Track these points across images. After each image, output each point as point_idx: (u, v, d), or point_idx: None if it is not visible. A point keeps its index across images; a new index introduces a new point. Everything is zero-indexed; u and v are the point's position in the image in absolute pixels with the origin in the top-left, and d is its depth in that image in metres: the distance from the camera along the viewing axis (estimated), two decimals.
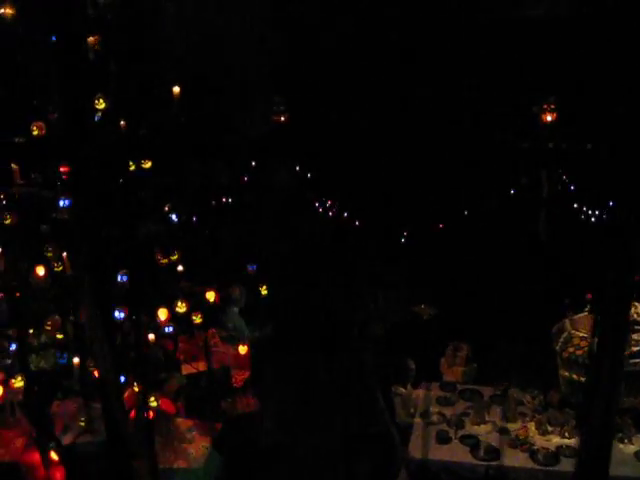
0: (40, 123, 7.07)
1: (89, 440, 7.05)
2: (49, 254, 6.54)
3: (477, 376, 7.63)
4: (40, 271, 6.85)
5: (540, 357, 7.30)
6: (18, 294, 7.57)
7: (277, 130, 7.26)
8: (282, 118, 7.32)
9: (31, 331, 7.91)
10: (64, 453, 7.16)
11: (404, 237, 7.88)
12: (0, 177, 7.08)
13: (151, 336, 7.39)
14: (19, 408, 7.30)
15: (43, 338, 8.20)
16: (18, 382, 7.15)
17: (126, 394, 7.48)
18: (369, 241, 8.07)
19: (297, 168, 7.83)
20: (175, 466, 6.94)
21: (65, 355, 7.86)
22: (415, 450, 6.44)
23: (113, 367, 4.97)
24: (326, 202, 7.88)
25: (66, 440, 7.08)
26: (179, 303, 7.07)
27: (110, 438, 5.14)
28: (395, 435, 6.73)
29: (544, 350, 7.28)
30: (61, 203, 6.38)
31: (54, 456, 7.22)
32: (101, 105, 6.75)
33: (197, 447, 6.98)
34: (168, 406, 7.52)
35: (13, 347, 7.87)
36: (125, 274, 6.64)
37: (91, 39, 6.91)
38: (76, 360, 6.88)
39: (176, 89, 6.57)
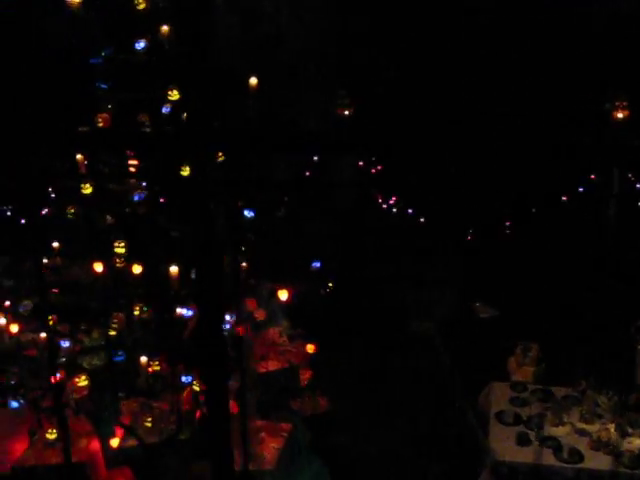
0: (105, 115, 6.90)
1: (154, 441, 6.91)
2: (121, 249, 6.33)
3: (545, 376, 7.49)
4: (99, 267, 6.69)
5: (612, 357, 7.18)
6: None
7: (342, 124, 7.06)
8: (346, 112, 7.12)
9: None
10: (128, 454, 7.03)
11: (468, 234, 7.73)
12: (64, 168, 6.88)
13: None
14: (81, 407, 7.15)
15: (95, 335, 8.03)
16: (82, 381, 6.99)
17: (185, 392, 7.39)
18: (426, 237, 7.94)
19: (360, 163, 7.67)
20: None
21: (121, 353, 7.68)
22: (496, 452, 6.28)
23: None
24: (390, 198, 7.72)
25: (132, 441, 6.93)
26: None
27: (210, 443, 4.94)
28: (478, 436, 6.57)
29: (617, 350, 7.17)
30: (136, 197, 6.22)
31: (114, 444, 7.09)
32: (175, 96, 6.60)
33: (268, 449, 6.83)
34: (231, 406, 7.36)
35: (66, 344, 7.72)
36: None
37: (165, 28, 6.75)
38: (144, 359, 6.67)
39: (253, 80, 6.38)
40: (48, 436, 6.84)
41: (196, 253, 4.63)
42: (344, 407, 7.12)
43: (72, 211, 6.86)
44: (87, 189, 6.20)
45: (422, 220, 7.70)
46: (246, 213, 6.71)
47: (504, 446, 6.37)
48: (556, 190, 7.24)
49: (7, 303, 7.36)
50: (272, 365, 6.97)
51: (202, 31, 4.08)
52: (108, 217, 6.79)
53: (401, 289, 8.88)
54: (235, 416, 7.13)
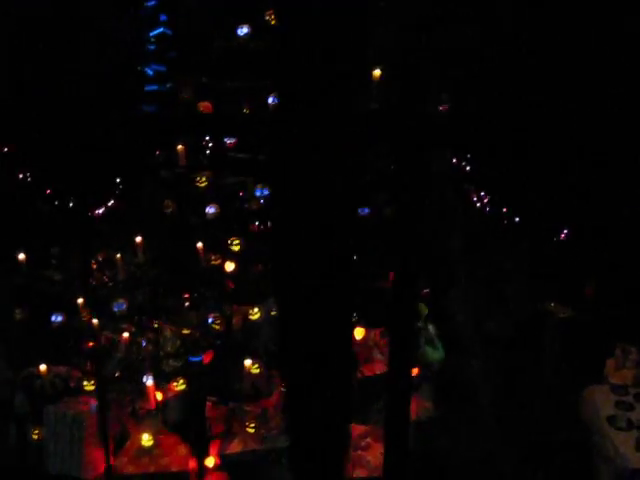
0: (207, 103, 6.55)
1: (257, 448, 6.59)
2: (235, 247, 6.01)
3: None
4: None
5: None
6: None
7: (439, 118, 6.82)
8: (441, 108, 6.87)
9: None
10: (228, 461, 6.71)
11: (563, 234, 7.56)
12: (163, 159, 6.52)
13: None
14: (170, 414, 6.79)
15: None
16: (180, 385, 6.63)
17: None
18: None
19: (454, 159, 7.44)
20: (354, 475, 6.55)
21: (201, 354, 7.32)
22: (625, 458, 6.13)
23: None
24: (484, 196, 7.51)
25: (233, 447, 6.61)
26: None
27: None
28: (596, 441, 6.41)
29: None
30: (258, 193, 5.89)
31: (210, 463, 6.76)
32: None
33: (375, 454, 6.58)
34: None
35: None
36: None
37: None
38: (248, 362, 6.34)
39: (376, 72, 6.10)
40: (144, 443, 6.51)
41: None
42: (446, 409, 6.91)
43: (169, 205, 6.53)
44: (202, 182, 5.85)
45: (516, 219, 7.52)
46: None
47: (627, 452, 6.24)
48: None
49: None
50: (377, 368, 6.73)
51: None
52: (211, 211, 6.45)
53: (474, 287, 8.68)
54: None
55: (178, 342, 6.64)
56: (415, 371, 6.76)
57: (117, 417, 6.73)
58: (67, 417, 6.64)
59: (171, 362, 6.64)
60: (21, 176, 8.17)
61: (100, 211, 8.14)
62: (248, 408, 6.77)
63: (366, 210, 6.26)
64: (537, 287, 8.74)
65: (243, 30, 6.50)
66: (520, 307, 8.87)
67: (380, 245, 6.11)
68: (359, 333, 6.15)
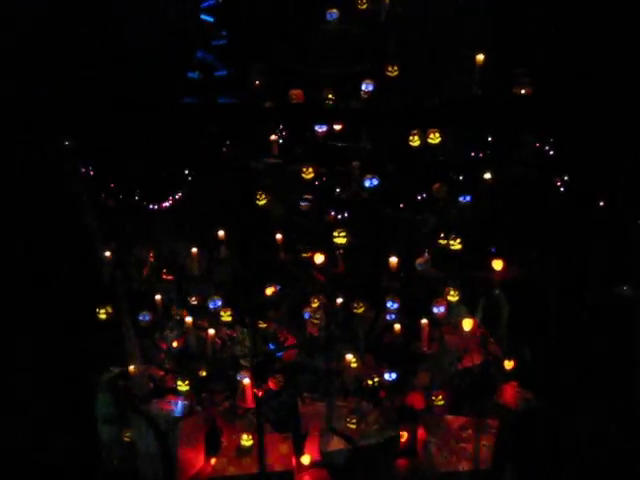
0: (299, 91, 6.32)
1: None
2: (341, 239, 5.81)
3: None
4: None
5: None
6: None
7: (520, 103, 6.62)
8: (523, 91, 6.68)
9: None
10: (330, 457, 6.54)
11: None
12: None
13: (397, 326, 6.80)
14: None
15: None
16: (279, 382, 6.41)
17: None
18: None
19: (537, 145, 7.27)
20: (460, 469, 6.42)
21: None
22: None
23: None
24: (567, 184, 7.33)
25: (332, 445, 6.44)
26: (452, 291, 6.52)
27: None
28: None
29: None
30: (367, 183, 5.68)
31: (305, 460, 6.59)
32: (394, 72, 6.07)
33: (478, 446, 6.46)
34: (418, 402, 6.94)
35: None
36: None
37: None
38: (350, 356, 6.16)
39: (480, 56, 5.89)
40: (244, 443, 6.32)
41: None
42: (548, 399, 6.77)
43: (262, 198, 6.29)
44: (309, 173, 5.64)
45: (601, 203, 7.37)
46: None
47: None
48: None
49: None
50: (475, 359, 6.59)
51: None
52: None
53: None
54: (427, 413, 6.79)
55: (271, 338, 6.47)
56: (511, 364, 6.65)
57: (210, 416, 6.59)
58: (159, 418, 6.47)
59: (264, 359, 6.49)
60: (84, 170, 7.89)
61: (167, 204, 7.90)
62: (342, 403, 6.64)
63: None
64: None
65: (333, 15, 6.30)
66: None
67: None
68: (468, 324, 6.01)
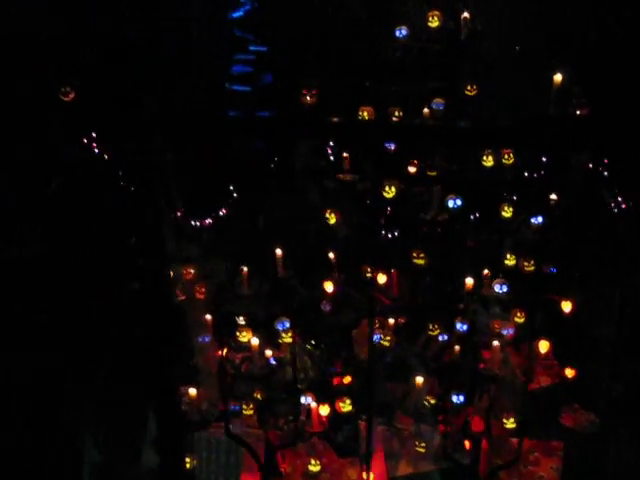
0: (369, 107, 6.21)
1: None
2: (420, 260, 5.71)
3: None
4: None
5: None
6: None
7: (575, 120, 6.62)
8: (578, 112, 6.67)
9: None
10: None
11: None
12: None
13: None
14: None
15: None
16: (347, 406, 6.27)
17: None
18: None
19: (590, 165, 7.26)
20: None
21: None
22: None
23: None
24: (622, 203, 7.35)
25: (402, 469, 6.32)
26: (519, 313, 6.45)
27: None
28: None
29: None
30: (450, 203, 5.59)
31: None
32: (473, 92, 6.00)
33: (546, 470, 6.39)
34: (478, 424, 6.85)
35: None
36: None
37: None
38: (420, 379, 6.05)
39: (557, 77, 5.85)
40: (311, 468, 6.16)
41: None
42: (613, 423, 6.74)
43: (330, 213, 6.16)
44: (390, 192, 5.52)
45: None
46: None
47: None
48: None
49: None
50: (543, 381, 6.53)
51: None
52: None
53: None
54: (494, 435, 6.71)
55: (338, 360, 6.33)
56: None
57: (270, 441, 6.41)
58: (222, 444, 6.27)
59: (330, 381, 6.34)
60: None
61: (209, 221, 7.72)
62: (401, 426, 6.53)
63: None
64: None
65: (402, 32, 6.22)
66: None
67: None
68: (544, 346, 5.94)
